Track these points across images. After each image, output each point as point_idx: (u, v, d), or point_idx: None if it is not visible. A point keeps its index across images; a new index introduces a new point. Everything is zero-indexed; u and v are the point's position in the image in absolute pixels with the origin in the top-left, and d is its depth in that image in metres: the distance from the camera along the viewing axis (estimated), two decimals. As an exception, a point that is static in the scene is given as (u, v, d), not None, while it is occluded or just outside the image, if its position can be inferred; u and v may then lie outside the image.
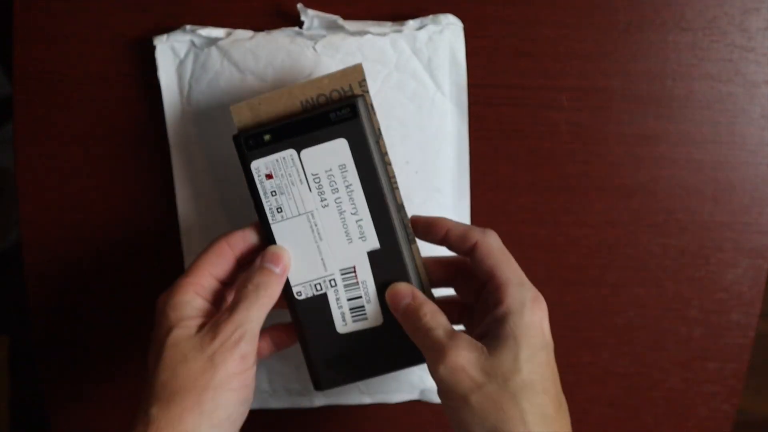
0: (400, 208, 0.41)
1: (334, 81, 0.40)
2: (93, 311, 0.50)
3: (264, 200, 0.40)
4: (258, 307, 0.38)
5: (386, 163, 0.41)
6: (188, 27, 0.45)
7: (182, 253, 0.48)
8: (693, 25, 0.47)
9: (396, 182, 0.41)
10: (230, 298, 0.42)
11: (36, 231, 0.49)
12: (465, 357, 0.36)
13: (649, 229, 0.49)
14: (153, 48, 0.45)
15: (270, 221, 0.40)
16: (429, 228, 0.41)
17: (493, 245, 0.39)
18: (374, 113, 0.41)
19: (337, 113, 0.39)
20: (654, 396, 0.52)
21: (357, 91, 0.40)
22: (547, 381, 0.37)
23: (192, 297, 0.38)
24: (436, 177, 0.47)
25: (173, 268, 0.49)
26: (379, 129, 0.41)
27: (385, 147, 0.41)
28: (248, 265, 0.41)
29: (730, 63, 0.47)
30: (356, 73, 0.40)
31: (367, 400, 0.50)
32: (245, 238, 0.40)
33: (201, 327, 0.38)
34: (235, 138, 0.40)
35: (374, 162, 0.39)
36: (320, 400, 0.50)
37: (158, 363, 0.37)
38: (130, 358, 0.51)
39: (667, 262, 0.50)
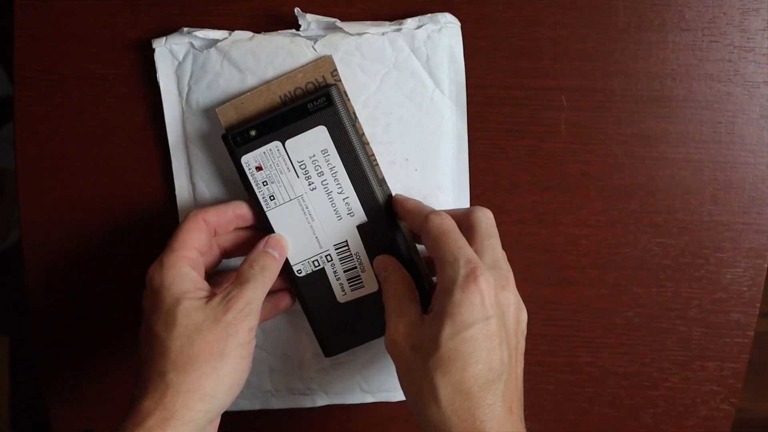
0: (382, 182, 0.45)
1: (308, 74, 0.43)
2: (93, 311, 0.50)
3: (257, 190, 0.43)
4: (263, 288, 0.41)
5: (364, 143, 0.44)
6: (185, 29, 0.45)
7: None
8: (693, 26, 0.47)
9: (376, 159, 0.45)
10: (221, 278, 0.45)
11: (36, 231, 0.49)
12: (399, 332, 0.39)
13: (648, 229, 0.49)
14: (152, 49, 0.45)
15: (265, 209, 0.43)
16: (397, 210, 0.44)
17: (430, 229, 0.40)
18: (348, 99, 0.44)
19: (314, 103, 0.41)
20: (654, 396, 0.52)
21: (330, 80, 0.43)
22: (472, 357, 0.36)
23: (188, 270, 0.40)
24: (435, 175, 0.47)
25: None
26: (354, 113, 0.44)
27: (361, 128, 0.44)
28: (221, 238, 0.44)
29: (730, 63, 0.47)
30: (327, 64, 0.43)
31: (369, 399, 0.50)
32: (218, 215, 0.43)
33: (206, 299, 0.40)
34: (224, 137, 0.43)
35: (353, 144, 0.42)
36: (323, 399, 0.50)
37: (171, 331, 0.39)
38: (130, 358, 0.51)
39: (666, 262, 0.50)
